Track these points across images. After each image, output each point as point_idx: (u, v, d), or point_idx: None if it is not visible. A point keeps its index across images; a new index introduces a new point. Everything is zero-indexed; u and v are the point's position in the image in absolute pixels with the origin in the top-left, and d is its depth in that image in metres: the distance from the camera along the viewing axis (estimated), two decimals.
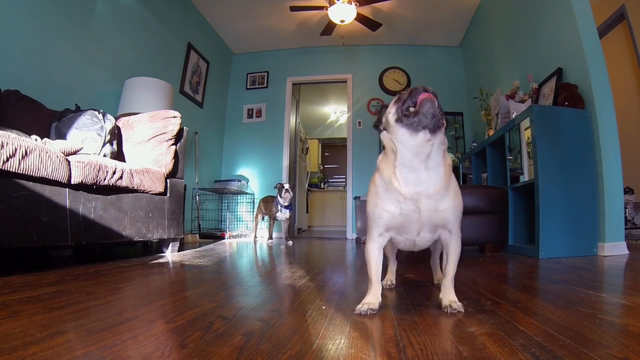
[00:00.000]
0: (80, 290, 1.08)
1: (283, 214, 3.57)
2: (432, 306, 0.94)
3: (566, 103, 2.22)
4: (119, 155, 2.24)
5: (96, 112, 2.13)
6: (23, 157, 1.31)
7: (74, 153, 1.69)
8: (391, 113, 0.83)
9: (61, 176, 1.47)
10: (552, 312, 0.84)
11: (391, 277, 1.23)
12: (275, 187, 3.60)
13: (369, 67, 4.96)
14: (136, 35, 3.21)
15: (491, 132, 3.15)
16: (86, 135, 2.02)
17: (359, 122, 4.85)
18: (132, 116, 2.41)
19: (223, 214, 4.69)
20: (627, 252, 2.05)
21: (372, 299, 0.89)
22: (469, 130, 4.61)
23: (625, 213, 2.44)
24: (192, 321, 0.77)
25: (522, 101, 2.69)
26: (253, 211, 4.54)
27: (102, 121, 2.11)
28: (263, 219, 4.04)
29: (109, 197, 1.76)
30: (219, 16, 4.35)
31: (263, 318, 0.81)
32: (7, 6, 2.06)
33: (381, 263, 0.92)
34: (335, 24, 3.98)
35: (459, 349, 0.61)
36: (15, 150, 1.28)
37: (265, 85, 5.07)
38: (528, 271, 1.62)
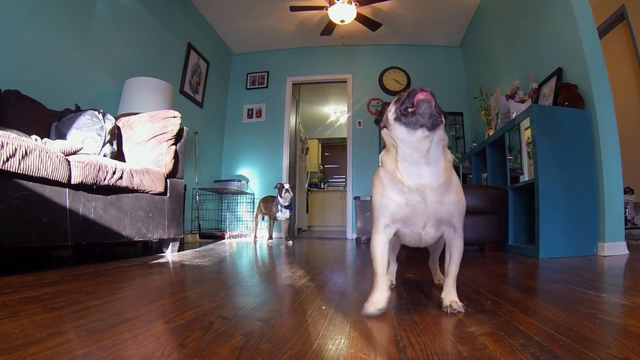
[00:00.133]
0: (80, 290, 1.08)
1: (283, 214, 3.57)
2: (432, 306, 0.94)
3: (566, 103, 2.22)
4: (119, 155, 2.24)
5: (96, 112, 2.13)
6: (23, 157, 1.31)
7: (74, 153, 1.69)
8: (391, 112, 0.86)
9: (61, 176, 1.47)
10: (552, 312, 0.84)
11: (391, 277, 1.23)
12: (276, 187, 3.60)
13: (369, 67, 4.96)
14: (136, 35, 3.21)
15: (491, 132, 3.15)
16: (86, 135, 2.02)
17: (359, 122, 4.85)
18: (132, 116, 2.41)
19: (223, 214, 4.69)
20: (627, 252, 2.05)
21: (379, 296, 0.86)
22: (469, 130, 4.61)
23: (625, 213, 2.44)
24: (192, 321, 0.77)
25: (522, 101, 2.69)
26: (253, 211, 4.54)
27: (102, 121, 2.11)
28: (263, 219, 4.04)
29: (109, 197, 1.76)
30: (219, 16, 4.35)
31: (263, 318, 0.81)
32: (7, 6, 2.06)
33: (387, 257, 0.90)
34: (335, 24, 3.98)
35: (459, 349, 0.61)
36: (15, 150, 1.28)
37: (265, 85, 5.07)
38: (528, 271, 1.62)
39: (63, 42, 2.44)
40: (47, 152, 1.41)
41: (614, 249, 2.03)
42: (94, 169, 1.63)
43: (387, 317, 0.83)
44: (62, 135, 2.01)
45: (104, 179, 1.69)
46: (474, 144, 3.71)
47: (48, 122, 2.07)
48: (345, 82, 5.03)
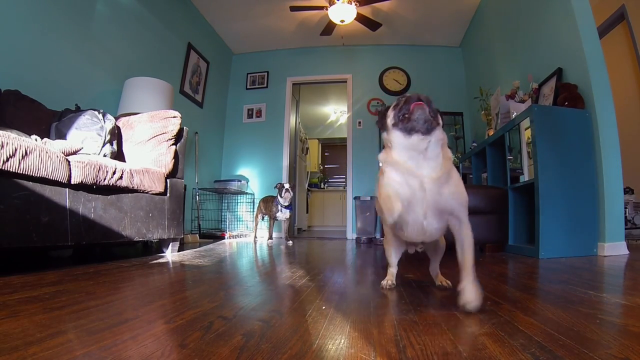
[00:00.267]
0: (80, 290, 1.08)
1: (283, 214, 3.57)
2: (432, 306, 0.94)
3: (566, 103, 2.22)
4: (119, 155, 2.24)
5: (96, 112, 2.13)
6: (23, 157, 1.31)
7: (74, 153, 1.69)
8: (389, 117, 0.94)
9: (61, 176, 1.47)
10: (552, 312, 0.84)
11: (391, 277, 1.23)
12: (276, 187, 3.60)
13: (369, 67, 4.96)
14: (136, 35, 3.21)
15: (491, 132, 3.15)
16: (86, 135, 2.02)
17: (359, 122, 4.85)
18: (132, 116, 2.41)
19: (223, 214, 4.69)
20: (627, 252, 2.05)
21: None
22: (469, 130, 4.60)
23: (625, 213, 2.44)
24: (192, 321, 0.77)
25: (522, 101, 2.69)
26: (253, 211, 4.54)
27: (102, 121, 2.11)
28: (263, 219, 4.04)
29: (109, 197, 1.76)
30: (219, 16, 4.35)
31: (263, 318, 0.81)
32: (7, 6, 2.06)
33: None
34: (335, 24, 3.98)
35: (459, 349, 0.61)
36: (15, 150, 1.28)
37: (265, 85, 5.07)
38: (528, 271, 1.62)
39: (63, 42, 2.44)
40: (47, 152, 1.41)
41: (614, 249, 2.03)
42: (94, 169, 1.63)
43: (387, 317, 0.83)
44: (62, 135, 2.01)
45: (104, 179, 1.69)
46: (474, 144, 3.71)
47: (48, 122, 2.07)
48: (345, 82, 5.03)
